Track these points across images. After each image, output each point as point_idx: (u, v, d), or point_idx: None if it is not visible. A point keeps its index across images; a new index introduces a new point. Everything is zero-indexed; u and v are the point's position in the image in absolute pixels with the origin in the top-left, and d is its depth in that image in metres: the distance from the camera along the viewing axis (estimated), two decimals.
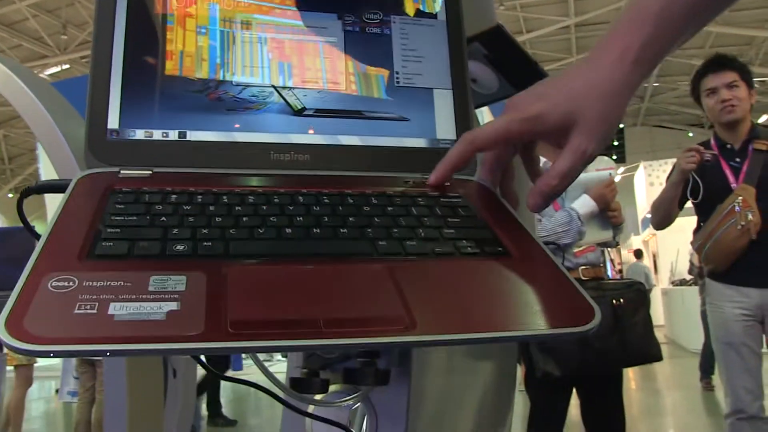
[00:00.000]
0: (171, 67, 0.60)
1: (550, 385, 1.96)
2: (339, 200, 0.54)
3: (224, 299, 0.40)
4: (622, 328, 1.76)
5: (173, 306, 0.39)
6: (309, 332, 0.39)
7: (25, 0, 10.15)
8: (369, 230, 0.50)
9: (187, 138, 0.59)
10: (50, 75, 12.54)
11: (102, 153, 0.57)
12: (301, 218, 0.51)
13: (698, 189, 2.30)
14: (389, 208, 0.54)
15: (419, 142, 0.63)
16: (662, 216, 2.38)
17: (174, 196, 0.52)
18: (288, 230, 0.49)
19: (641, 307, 1.87)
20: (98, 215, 0.49)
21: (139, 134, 0.58)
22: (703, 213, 2.29)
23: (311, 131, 0.61)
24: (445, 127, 0.64)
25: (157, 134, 0.58)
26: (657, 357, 1.89)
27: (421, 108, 0.64)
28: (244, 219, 0.50)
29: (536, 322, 0.43)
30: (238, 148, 0.59)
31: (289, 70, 0.62)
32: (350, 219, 0.51)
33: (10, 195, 17.27)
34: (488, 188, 0.60)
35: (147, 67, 0.59)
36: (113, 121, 0.58)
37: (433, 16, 0.67)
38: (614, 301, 1.80)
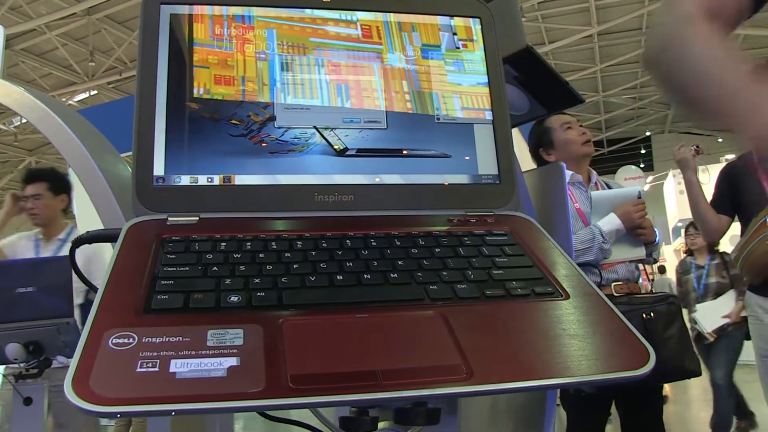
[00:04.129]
0: (213, 113, 0.61)
1: (586, 401, 1.93)
2: (386, 243, 0.54)
3: (282, 352, 0.40)
4: (654, 343, 1.72)
5: (233, 362, 0.39)
6: (369, 385, 0.39)
7: (55, 30, 10.40)
8: (419, 274, 0.50)
9: (232, 182, 0.60)
10: (79, 101, 12.81)
11: (149, 200, 0.58)
12: (350, 264, 0.51)
13: (722, 200, 2.27)
14: (437, 250, 0.54)
15: (461, 179, 0.63)
16: (702, 225, 2.34)
17: (223, 243, 0.53)
18: (339, 277, 0.49)
19: (675, 321, 1.83)
20: (151, 266, 0.49)
21: (185, 180, 0.59)
22: (744, 224, 2.25)
23: (353, 171, 0.61)
24: (486, 162, 0.64)
25: (202, 179, 0.59)
26: (694, 372, 1.85)
27: (462, 144, 0.64)
28: (295, 266, 0.50)
29: (591, 367, 0.42)
30: (282, 191, 0.60)
31: (329, 111, 0.63)
32: (399, 263, 0.51)
33: None
34: (532, 222, 0.60)
35: (190, 113, 0.60)
36: (159, 168, 0.59)
37: (471, 47, 0.67)
38: (644, 315, 1.76)
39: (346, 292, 0.47)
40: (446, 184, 0.63)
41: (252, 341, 0.41)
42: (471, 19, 0.68)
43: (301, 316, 0.45)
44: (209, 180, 0.59)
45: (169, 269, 0.49)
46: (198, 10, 0.63)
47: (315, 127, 0.62)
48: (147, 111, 0.59)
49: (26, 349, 2.21)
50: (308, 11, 0.65)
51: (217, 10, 0.63)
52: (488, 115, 0.65)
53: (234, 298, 0.46)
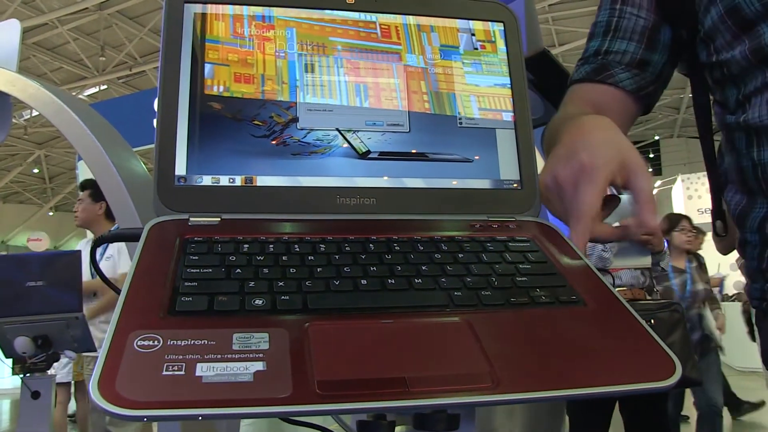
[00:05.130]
0: (236, 113, 0.60)
1: (587, 403, 1.92)
2: (410, 247, 0.54)
3: (308, 357, 0.40)
4: None
5: (259, 366, 0.39)
6: (396, 392, 0.38)
7: (66, 24, 10.44)
8: (443, 280, 0.50)
9: (254, 183, 0.59)
10: (89, 96, 12.87)
11: (171, 200, 0.58)
12: (375, 268, 0.50)
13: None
14: (460, 255, 0.53)
15: (483, 184, 0.63)
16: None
17: (246, 245, 0.52)
18: (363, 281, 0.49)
19: (677, 329, 1.82)
20: (174, 267, 0.49)
21: (207, 180, 0.59)
22: None
23: (376, 174, 0.61)
24: (508, 167, 0.64)
25: (224, 180, 0.59)
26: (695, 381, 1.83)
27: (485, 148, 0.64)
28: (319, 270, 0.50)
29: (617, 377, 0.42)
30: (304, 193, 0.60)
31: (352, 113, 0.62)
32: (423, 268, 0.51)
33: (51, 213, 17.69)
34: (554, 229, 0.60)
35: (213, 113, 0.60)
36: (181, 168, 0.59)
37: (494, 49, 0.67)
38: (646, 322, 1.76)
39: (371, 296, 0.47)
40: (468, 188, 0.62)
41: (278, 345, 0.41)
42: (494, 23, 0.67)
43: (327, 321, 0.44)
44: (231, 180, 0.59)
45: (192, 270, 0.49)
46: (220, 9, 0.63)
47: (338, 129, 0.62)
48: (169, 110, 0.59)
49: (35, 343, 2.22)
50: (328, 12, 0.65)
51: (238, 9, 0.63)
52: (510, 120, 0.65)
53: (258, 301, 0.45)
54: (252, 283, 0.47)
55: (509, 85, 0.66)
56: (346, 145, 0.61)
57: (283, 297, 0.46)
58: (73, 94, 12.59)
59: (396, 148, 0.62)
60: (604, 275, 1.83)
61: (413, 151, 0.62)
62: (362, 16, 0.65)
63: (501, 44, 0.67)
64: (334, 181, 0.60)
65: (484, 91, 0.65)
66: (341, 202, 0.60)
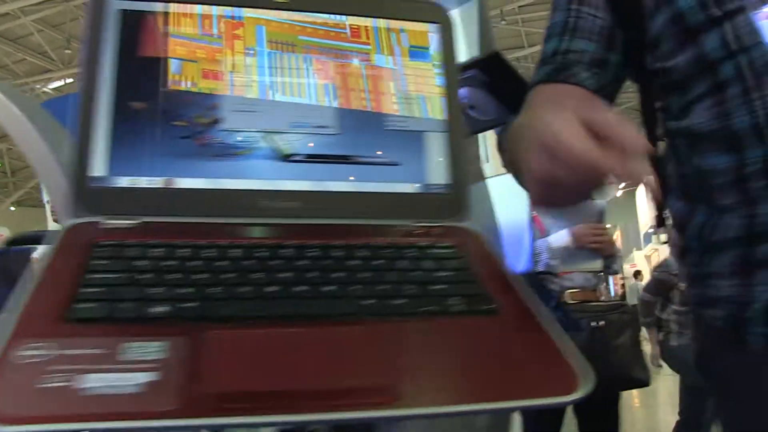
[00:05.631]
0: (158, 113, 0.59)
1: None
2: (324, 253, 0.53)
3: (202, 369, 0.39)
4: (603, 351, 1.74)
5: (152, 376, 0.38)
6: (293, 406, 0.37)
7: (30, 15, 10.21)
8: (354, 288, 0.49)
9: (174, 186, 0.58)
10: (54, 89, 12.61)
11: (87, 202, 0.56)
12: (283, 275, 0.49)
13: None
14: (376, 262, 0.53)
15: (411, 188, 0.62)
16: None
17: (156, 250, 0.51)
18: (269, 288, 0.48)
19: (626, 330, 1.84)
20: (79, 272, 0.47)
21: (125, 182, 0.57)
22: None
23: (300, 177, 0.60)
24: (437, 171, 0.63)
25: (142, 182, 0.57)
26: (642, 382, 1.85)
27: (413, 151, 0.63)
28: (226, 276, 0.48)
29: (520, 390, 0.42)
30: (225, 196, 0.58)
31: (278, 115, 0.61)
32: (334, 275, 0.50)
33: (12, 208, 17.31)
34: (481, 236, 0.59)
35: (133, 111, 0.58)
36: (99, 168, 0.57)
37: (426, 53, 0.66)
38: (592, 323, 1.78)
39: (275, 304, 0.46)
40: (395, 193, 0.62)
41: (174, 355, 0.40)
42: (429, 24, 0.67)
43: (228, 329, 0.43)
44: (151, 182, 0.57)
45: (95, 276, 0.47)
46: (147, 6, 0.61)
47: (262, 130, 0.60)
48: (87, 108, 0.57)
49: None
50: (263, 10, 0.63)
51: (167, 5, 0.61)
52: (442, 123, 0.64)
53: (159, 309, 0.44)
54: (154, 290, 0.46)
55: (442, 88, 0.65)
56: (269, 146, 0.60)
57: (184, 304, 0.44)
58: (38, 87, 12.33)
59: (321, 151, 0.61)
60: (552, 278, 1.85)
61: (339, 153, 0.61)
62: (296, 12, 0.64)
63: (435, 46, 0.66)
64: (256, 184, 0.59)
65: (416, 93, 0.65)
66: (263, 205, 0.59)
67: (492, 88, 1.25)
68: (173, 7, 0.61)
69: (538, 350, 0.45)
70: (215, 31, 0.62)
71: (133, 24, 0.60)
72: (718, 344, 0.74)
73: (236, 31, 0.62)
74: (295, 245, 0.53)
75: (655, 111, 0.82)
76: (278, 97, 0.61)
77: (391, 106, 0.64)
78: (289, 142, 0.61)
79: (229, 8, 0.63)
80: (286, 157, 0.60)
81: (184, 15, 0.62)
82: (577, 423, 2.07)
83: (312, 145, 0.61)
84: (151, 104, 0.59)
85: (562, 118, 0.48)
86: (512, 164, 0.68)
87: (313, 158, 0.61)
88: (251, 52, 0.62)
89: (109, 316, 0.43)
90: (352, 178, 0.61)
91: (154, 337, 0.41)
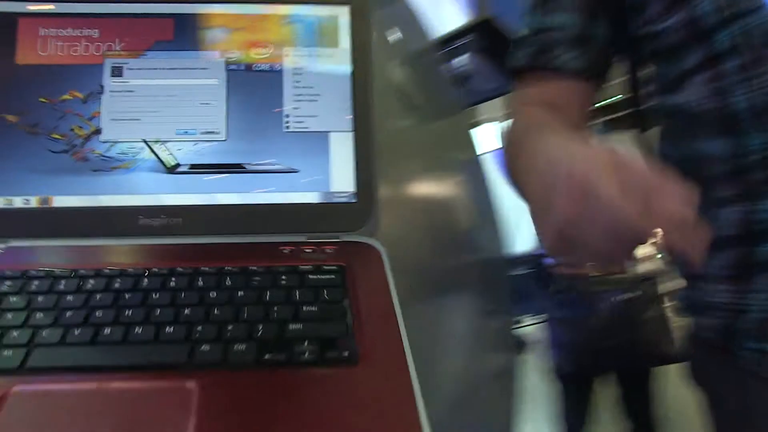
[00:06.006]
0: (33, 126, 0.55)
1: (569, 378, 1.88)
2: (184, 283, 0.48)
3: None
4: (628, 327, 1.62)
5: None
6: None
7: None
8: (198, 328, 0.44)
9: (50, 204, 0.54)
10: None
11: None
12: (128, 312, 0.45)
13: None
14: (239, 294, 0.47)
15: (310, 197, 0.56)
16: None
17: (7, 282, 0.48)
18: (106, 331, 0.44)
19: (652, 304, 1.70)
20: None
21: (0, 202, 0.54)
22: None
23: (186, 191, 0.55)
24: (342, 177, 0.56)
25: (17, 201, 0.54)
26: (673, 358, 1.70)
27: (314, 156, 0.56)
28: (67, 315, 0.45)
29: None
30: (104, 214, 0.54)
31: (162, 121, 0.56)
32: (184, 311, 0.45)
33: None
34: (381, 253, 0.53)
35: (7, 126, 0.55)
36: None
37: (335, 39, 0.58)
38: (615, 298, 1.65)
39: (102, 352, 0.42)
40: (291, 203, 0.56)
41: None
42: (338, 7, 0.59)
43: (35, 383, 0.40)
44: (25, 201, 0.54)
45: None
46: (30, 6, 0.56)
47: (144, 141, 0.55)
48: None
49: None
50: (147, 5, 0.58)
51: (49, 6, 0.57)
52: (348, 122, 0.57)
53: None
54: None
55: (349, 81, 0.58)
56: (153, 158, 0.55)
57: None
58: None
59: (209, 160, 0.56)
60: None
61: (230, 162, 0.56)
62: (183, 7, 0.58)
63: (345, 31, 0.59)
64: (137, 200, 0.55)
65: (320, 90, 0.58)
66: (144, 223, 0.54)
67: (493, 54, 1.14)
68: (48, 8, 0.57)
69: (395, 412, 0.39)
70: (95, 33, 0.57)
71: (14, 25, 0.56)
72: (709, 357, 0.65)
73: (121, 32, 0.57)
74: (157, 273, 0.49)
75: (639, 87, 0.71)
76: (162, 101, 0.56)
77: (289, 103, 0.57)
78: (174, 152, 0.55)
79: (104, 4, 0.57)
80: (170, 169, 0.55)
81: (59, 16, 0.57)
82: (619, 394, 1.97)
83: (199, 153, 0.56)
84: (26, 116, 0.55)
85: (592, 157, 0.39)
86: (515, 185, 0.62)
87: (199, 168, 0.56)
88: (134, 53, 0.57)
89: None
90: (242, 188, 0.55)
91: None
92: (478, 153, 0.87)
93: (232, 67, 0.57)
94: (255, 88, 0.57)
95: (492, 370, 0.73)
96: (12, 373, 0.41)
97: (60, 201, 0.54)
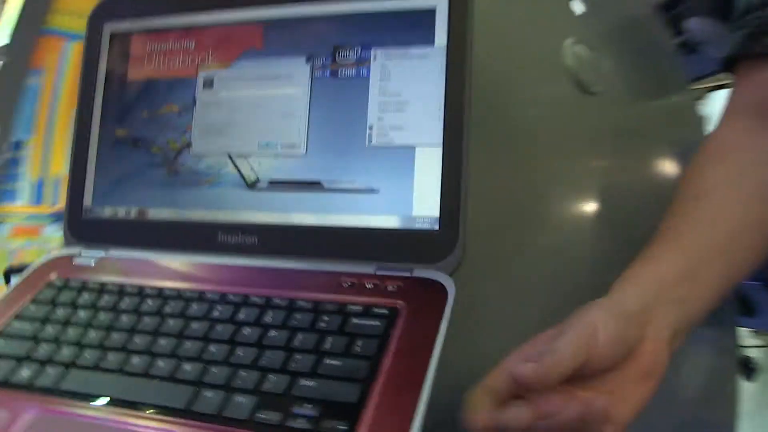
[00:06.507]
0: (137, 140, 0.56)
1: None
2: (229, 314, 0.45)
3: None
4: None
5: None
6: None
7: None
8: (214, 370, 0.41)
9: (146, 217, 0.55)
10: None
11: (77, 231, 0.57)
12: (164, 340, 0.44)
13: None
14: (272, 333, 0.43)
15: (387, 222, 0.49)
16: None
17: (85, 295, 0.50)
18: (135, 360, 0.43)
19: None
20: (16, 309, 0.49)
21: (108, 212, 0.57)
22: None
23: (263, 209, 0.52)
24: (425, 200, 0.48)
25: (120, 212, 0.56)
26: None
27: (397, 175, 0.49)
28: (113, 337, 0.45)
29: None
30: (188, 228, 0.54)
31: (246, 134, 0.53)
32: (209, 349, 0.42)
33: None
34: (449, 298, 0.44)
35: (119, 140, 0.57)
36: (88, 198, 0.57)
37: (428, 42, 0.50)
38: None
39: (115, 383, 0.41)
40: (366, 228, 0.49)
41: None
42: (432, 2, 0.50)
43: (61, 408, 0.40)
44: (127, 213, 0.56)
45: (15, 325, 0.48)
46: (137, 25, 0.58)
47: (228, 155, 0.53)
48: (82, 138, 0.58)
49: None
50: (240, 11, 0.55)
51: (154, 24, 0.58)
52: (439, 136, 0.48)
53: (23, 373, 0.43)
54: (42, 349, 0.45)
55: (443, 86, 0.49)
56: (235, 172, 0.53)
57: (45, 371, 0.43)
58: None
59: (288, 176, 0.52)
60: None
61: (307, 179, 0.51)
62: (271, 12, 0.54)
63: (441, 26, 0.50)
64: (219, 215, 0.53)
65: (407, 95, 0.50)
66: (222, 240, 0.52)
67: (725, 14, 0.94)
68: (157, 26, 0.57)
69: None
70: (192, 45, 0.56)
71: (122, 47, 0.58)
72: None
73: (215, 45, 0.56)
74: (210, 299, 0.47)
75: None
76: (246, 113, 0.54)
77: (374, 113, 0.50)
78: (255, 168, 0.52)
79: (212, 14, 0.56)
80: (251, 185, 0.53)
81: (164, 30, 0.57)
82: None
83: (279, 168, 0.52)
84: (133, 130, 0.57)
85: None
86: None
87: (278, 185, 0.52)
88: (224, 66, 0.55)
89: None
90: (319, 209, 0.50)
91: None
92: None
93: (317, 74, 0.52)
94: (339, 96, 0.51)
95: (706, 398, 0.59)
96: (44, 392, 0.42)
97: (154, 214, 0.55)
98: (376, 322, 0.42)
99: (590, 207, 0.61)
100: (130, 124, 0.57)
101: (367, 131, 0.50)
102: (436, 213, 0.47)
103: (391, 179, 0.49)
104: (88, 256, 0.55)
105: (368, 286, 0.46)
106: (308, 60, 0.52)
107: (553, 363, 0.34)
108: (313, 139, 0.51)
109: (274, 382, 0.39)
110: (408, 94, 0.50)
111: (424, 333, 0.41)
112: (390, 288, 0.45)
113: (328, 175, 0.51)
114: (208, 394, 0.39)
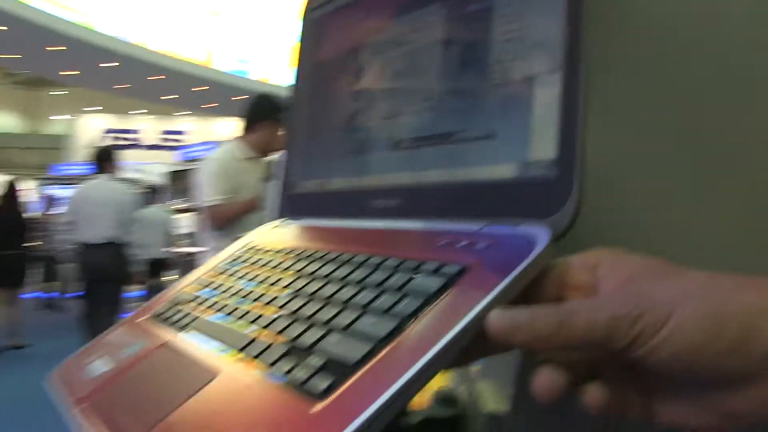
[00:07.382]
0: (328, 115, 0.59)
1: None
2: (327, 271, 0.44)
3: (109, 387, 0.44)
4: None
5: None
6: None
7: None
8: (274, 322, 0.40)
9: (326, 188, 0.58)
10: None
11: (286, 205, 0.63)
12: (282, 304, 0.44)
13: None
14: (343, 289, 0.40)
15: (504, 171, 0.40)
16: None
17: (258, 257, 0.54)
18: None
19: None
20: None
21: (303, 186, 0.61)
22: None
23: (402, 169, 0.49)
24: (543, 138, 0.39)
25: (311, 185, 0.60)
26: None
27: (516, 113, 0.40)
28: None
29: None
30: (353, 195, 0.54)
31: (396, 93, 0.51)
32: (287, 301, 0.42)
33: None
34: (518, 261, 0.34)
35: (310, 116, 0.61)
36: (296, 174, 0.63)
37: None
38: None
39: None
40: (482, 181, 0.42)
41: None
42: None
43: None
44: (316, 185, 0.59)
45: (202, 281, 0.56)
46: (333, 8, 0.61)
47: (386, 116, 0.52)
48: (294, 116, 0.63)
49: None
50: None
51: (365, 9, 0.60)
52: (557, 61, 0.38)
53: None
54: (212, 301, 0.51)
55: (563, 11, 0.39)
56: (389, 134, 0.51)
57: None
58: None
59: (423, 131, 0.48)
60: None
61: (438, 131, 0.46)
62: None
63: None
64: (374, 180, 0.52)
65: (529, 20, 0.41)
66: (374, 205, 0.51)
67: None
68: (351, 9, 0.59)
69: None
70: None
71: (321, 30, 0.62)
72: None
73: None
74: (333, 264, 0.46)
75: None
76: (397, 75, 0.51)
77: (497, 47, 0.42)
78: (400, 125, 0.50)
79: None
80: (395, 146, 0.50)
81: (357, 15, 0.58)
82: None
83: (418, 123, 0.48)
84: (327, 106, 0.60)
85: None
86: None
87: (416, 142, 0.48)
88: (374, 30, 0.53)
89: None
90: (446, 164, 0.45)
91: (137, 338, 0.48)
92: None
93: (451, 13, 0.47)
94: (466, 32, 0.45)
95: None
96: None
97: (332, 184, 0.57)
98: (430, 281, 0.36)
99: None
100: (325, 102, 0.60)
101: (490, 68, 0.43)
102: (552, 155, 0.38)
103: (509, 119, 0.41)
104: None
105: (462, 243, 0.39)
106: (444, 4, 0.47)
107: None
108: (442, 87, 0.46)
109: (305, 336, 0.37)
110: (530, 19, 0.41)
111: (473, 296, 0.33)
112: (480, 246, 0.38)
113: (456, 124, 0.45)
114: (258, 342, 0.39)
